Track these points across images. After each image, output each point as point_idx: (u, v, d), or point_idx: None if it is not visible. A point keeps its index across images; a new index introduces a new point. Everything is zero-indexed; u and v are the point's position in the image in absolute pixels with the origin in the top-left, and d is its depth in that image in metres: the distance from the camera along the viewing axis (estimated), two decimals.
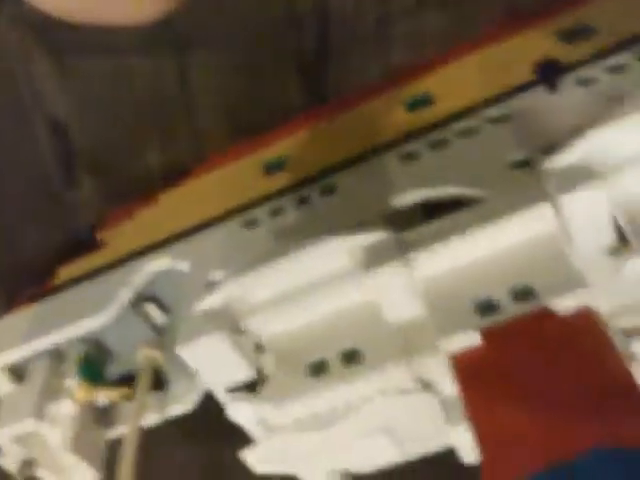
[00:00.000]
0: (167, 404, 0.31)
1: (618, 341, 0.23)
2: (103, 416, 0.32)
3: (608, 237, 0.22)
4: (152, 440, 0.30)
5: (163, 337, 0.32)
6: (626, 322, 0.24)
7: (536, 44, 0.29)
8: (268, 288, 0.24)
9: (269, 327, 0.25)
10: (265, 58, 0.33)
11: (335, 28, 0.32)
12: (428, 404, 0.24)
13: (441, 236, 0.24)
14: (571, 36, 0.29)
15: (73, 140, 0.35)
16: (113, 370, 0.33)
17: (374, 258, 0.23)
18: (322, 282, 0.24)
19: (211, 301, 0.24)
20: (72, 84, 0.33)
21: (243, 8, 0.31)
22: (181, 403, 0.31)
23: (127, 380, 0.32)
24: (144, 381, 0.30)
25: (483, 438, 0.20)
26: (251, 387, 0.26)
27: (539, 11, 0.31)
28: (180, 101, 0.34)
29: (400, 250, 0.23)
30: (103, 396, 0.32)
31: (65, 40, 0.31)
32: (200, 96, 0.34)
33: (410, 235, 0.24)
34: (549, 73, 0.27)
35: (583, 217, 0.21)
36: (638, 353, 0.24)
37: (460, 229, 0.23)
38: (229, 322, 0.24)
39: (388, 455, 0.26)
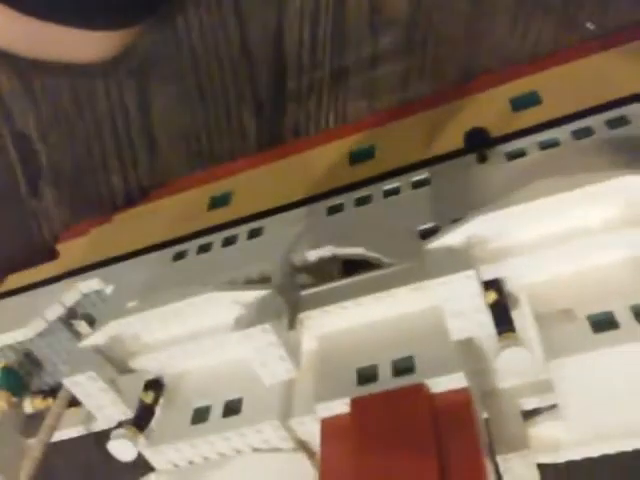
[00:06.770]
0: (87, 420, 0.32)
1: (512, 423, 0.23)
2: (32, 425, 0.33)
3: (485, 321, 0.21)
4: None
5: None
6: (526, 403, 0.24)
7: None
8: (154, 331, 0.25)
9: (165, 368, 0.26)
10: (222, 93, 0.34)
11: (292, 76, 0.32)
12: (300, 464, 0.24)
13: (335, 298, 0.23)
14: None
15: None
16: (47, 380, 0.34)
17: (251, 317, 0.23)
18: (208, 332, 0.24)
19: (96, 338, 0.25)
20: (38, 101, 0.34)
21: (198, 47, 0.32)
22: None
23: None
24: (63, 395, 0.31)
25: None
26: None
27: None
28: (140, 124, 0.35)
29: (282, 310, 0.23)
30: (28, 405, 0.33)
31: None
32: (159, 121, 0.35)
33: (306, 295, 0.24)
34: (478, 143, 0.26)
35: (454, 301, 0.21)
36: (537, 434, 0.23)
37: (354, 294, 0.23)
38: (115, 360, 0.25)
39: None
